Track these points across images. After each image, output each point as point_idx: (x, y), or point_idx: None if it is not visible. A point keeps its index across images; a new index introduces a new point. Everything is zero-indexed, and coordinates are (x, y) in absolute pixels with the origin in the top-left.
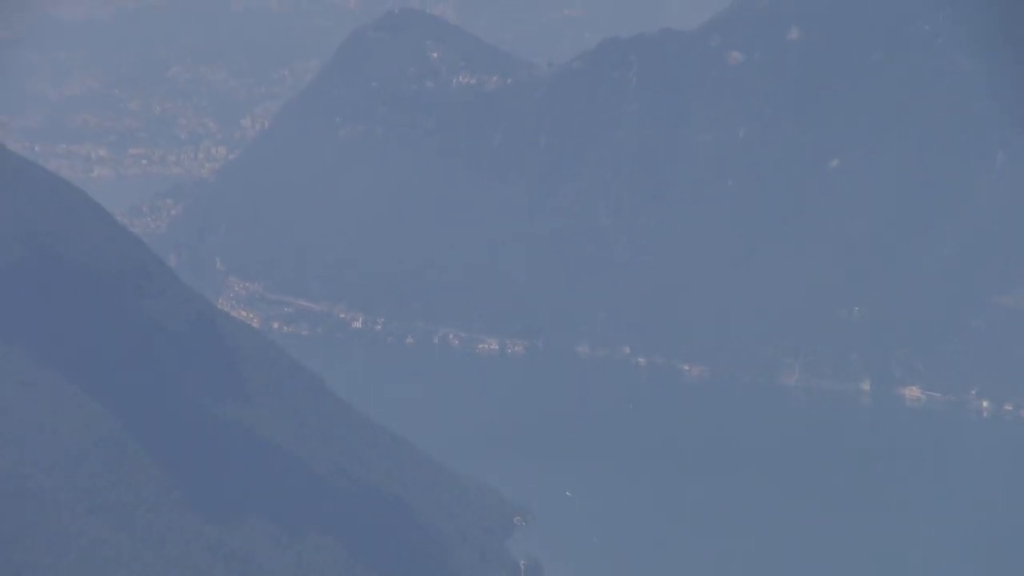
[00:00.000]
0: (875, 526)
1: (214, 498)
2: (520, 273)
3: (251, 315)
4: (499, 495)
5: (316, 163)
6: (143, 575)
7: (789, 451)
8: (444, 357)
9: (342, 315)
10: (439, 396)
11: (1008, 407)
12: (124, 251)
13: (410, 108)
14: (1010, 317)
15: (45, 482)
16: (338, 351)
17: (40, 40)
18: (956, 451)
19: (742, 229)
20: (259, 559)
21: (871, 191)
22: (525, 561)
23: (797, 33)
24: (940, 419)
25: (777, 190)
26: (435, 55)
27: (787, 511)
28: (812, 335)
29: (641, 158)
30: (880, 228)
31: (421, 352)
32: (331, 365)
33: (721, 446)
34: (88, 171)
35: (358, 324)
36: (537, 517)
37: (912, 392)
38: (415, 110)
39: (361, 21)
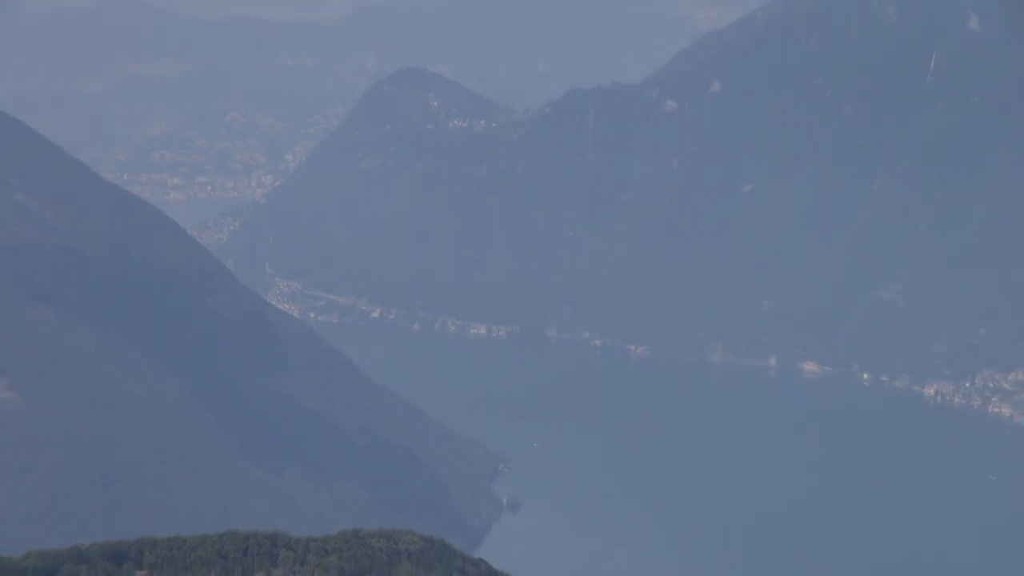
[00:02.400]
0: (777, 466)
1: (263, 450)
2: (502, 274)
3: (292, 307)
4: (486, 447)
5: (342, 189)
6: (207, 511)
7: (713, 412)
8: (442, 340)
9: (363, 307)
10: (439, 370)
11: (884, 378)
12: (193, 257)
13: (415, 146)
14: (885, 307)
15: (131, 438)
16: (360, 335)
17: (125, 92)
18: (843, 412)
19: (676, 239)
20: (299, 497)
21: (776, 209)
22: (507, 498)
23: (718, 86)
24: (830, 387)
25: (703, 209)
26: (435, 104)
27: (710, 456)
28: (731, 322)
29: (596, 185)
30: (783, 238)
31: (425, 336)
32: (355, 346)
33: (659, 409)
34: (165, 195)
35: (376, 314)
36: (515, 464)
37: (809, 366)
38: (419, 147)
39: (377, 78)
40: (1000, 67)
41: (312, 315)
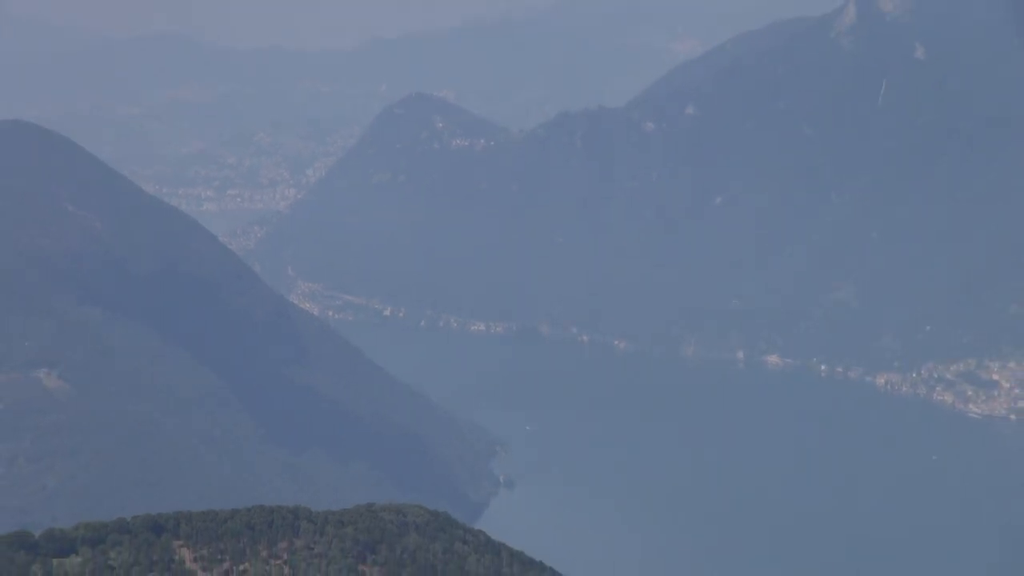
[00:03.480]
0: (743, 447)
1: (286, 434)
2: (499, 277)
3: (312, 306)
4: (484, 431)
5: (357, 201)
6: (237, 488)
7: (687, 400)
8: (446, 335)
9: (376, 306)
10: (442, 362)
11: (839, 369)
12: (224, 261)
13: (422, 163)
14: (840, 306)
15: (169, 423)
16: (373, 331)
17: (164, 115)
18: (803, 400)
19: (655, 246)
20: (318, 476)
21: (744, 219)
22: (503, 476)
23: (692, 109)
24: (791, 378)
25: (679, 218)
26: (440, 125)
27: (685, 438)
28: (703, 320)
29: (584, 196)
30: (750, 245)
31: (430, 332)
32: (368, 341)
33: (639, 397)
34: (199, 206)
35: (387, 312)
36: (511, 446)
37: (772, 359)
38: (426, 164)
39: (388, 101)
40: (942, 92)
41: (330, 313)
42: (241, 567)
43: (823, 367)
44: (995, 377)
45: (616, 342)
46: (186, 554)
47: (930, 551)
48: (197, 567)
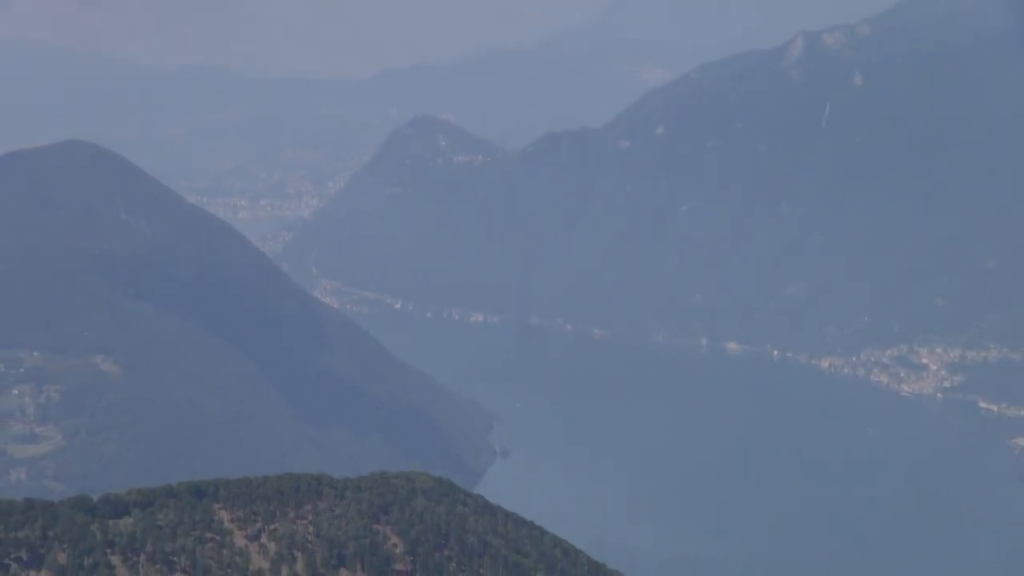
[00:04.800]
0: (706, 421)
1: (311, 411)
2: (495, 275)
3: (333, 300)
4: (482, 407)
5: (372, 209)
6: (268, 458)
7: (656, 380)
8: (448, 325)
9: (388, 300)
10: (445, 348)
11: (789, 354)
12: (256, 262)
13: (428, 176)
14: (789, 300)
15: (209, 402)
16: (385, 322)
17: (204, 135)
18: (757, 380)
19: (629, 247)
20: (338, 447)
21: (706, 224)
22: (499, 447)
23: (662, 129)
24: (749, 363)
25: (650, 224)
26: (443, 144)
27: (655, 413)
28: (671, 311)
29: (567, 205)
30: (712, 246)
31: (435, 322)
32: (381, 330)
33: (615, 377)
34: (235, 214)
35: (397, 306)
36: (505, 420)
37: (732, 345)
38: (431, 178)
39: (398, 123)
40: (878, 115)
41: (348, 307)
42: (272, 526)
43: (775, 352)
44: (924, 360)
45: (595, 331)
46: (224, 515)
47: (863, 508)
48: (234, 526)
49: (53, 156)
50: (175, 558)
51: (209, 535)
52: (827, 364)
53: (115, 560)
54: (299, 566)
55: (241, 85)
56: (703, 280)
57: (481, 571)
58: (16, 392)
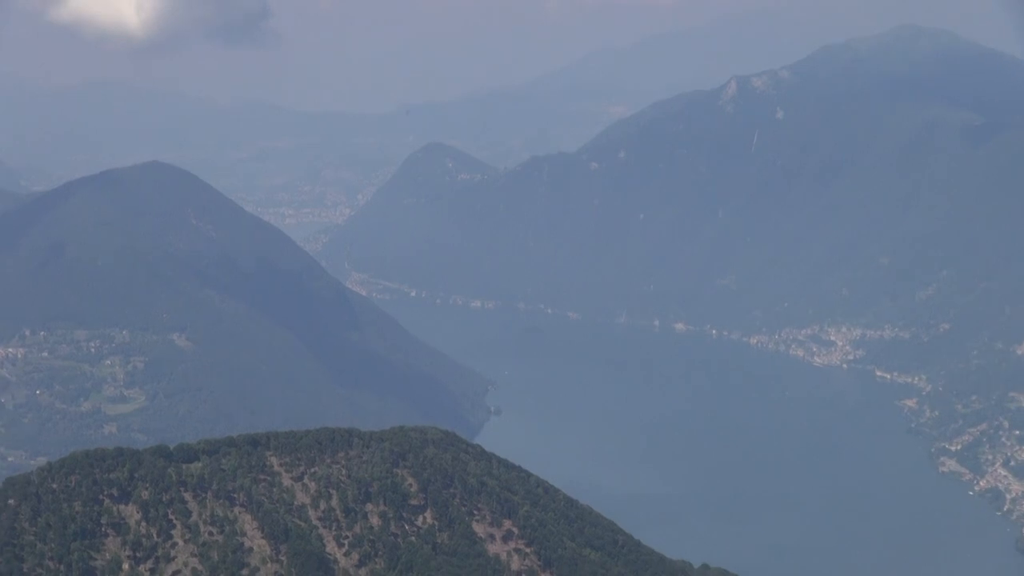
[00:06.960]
0: (660, 387)
1: (344, 377)
2: (489, 268)
3: (361, 289)
4: (480, 374)
5: (393, 217)
6: (310, 414)
7: (619, 354)
8: (453, 309)
9: (405, 289)
10: (450, 327)
11: (725, 332)
12: (301, 259)
13: (438, 191)
14: (724, 289)
15: (263, 369)
16: (403, 306)
17: (260, 157)
18: (699, 353)
19: (597, 247)
20: (366, 406)
21: (658, 229)
22: (493, 407)
23: (623, 154)
24: (692, 339)
25: (612, 229)
26: (450, 164)
27: (619, 379)
28: (631, 298)
29: (548, 214)
30: (662, 247)
31: (444, 307)
32: (400, 313)
33: (586, 351)
34: (283, 221)
35: (412, 293)
36: (498, 385)
37: (680, 326)
38: (440, 192)
39: (414, 148)
40: (795, 142)
41: (374, 294)
42: (312, 469)
43: (714, 331)
44: (832, 338)
45: (570, 314)
46: (274, 461)
47: (779, 453)
48: (282, 470)
49: (140, 175)
50: (235, 495)
51: (262, 476)
52: (755, 341)
53: (187, 496)
54: (334, 501)
55: (291, 118)
56: (656, 273)
57: (479, 505)
58: (108, 362)
